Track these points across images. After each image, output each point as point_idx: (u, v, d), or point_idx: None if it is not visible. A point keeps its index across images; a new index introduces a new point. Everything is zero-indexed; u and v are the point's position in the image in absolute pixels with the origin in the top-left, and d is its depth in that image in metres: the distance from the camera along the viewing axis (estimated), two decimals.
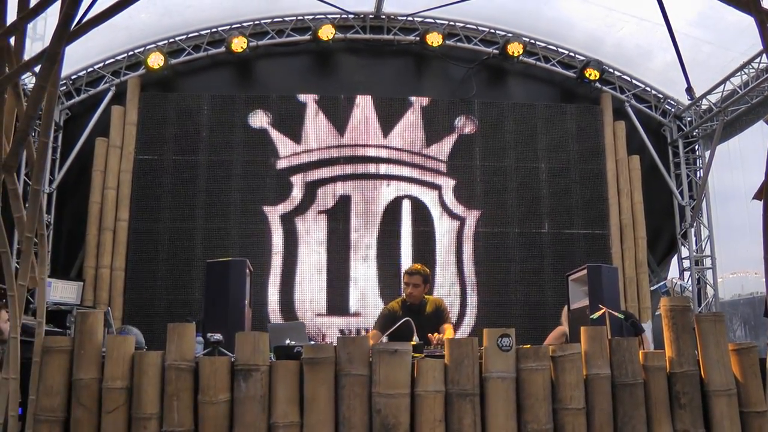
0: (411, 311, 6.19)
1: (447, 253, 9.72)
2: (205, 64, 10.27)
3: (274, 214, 9.59)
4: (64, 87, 9.83)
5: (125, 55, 10.03)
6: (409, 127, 9.98)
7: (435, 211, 9.80)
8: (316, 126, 9.90)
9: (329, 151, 9.81)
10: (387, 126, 9.98)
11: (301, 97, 9.99)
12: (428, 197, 9.79)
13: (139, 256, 9.44)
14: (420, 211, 9.83)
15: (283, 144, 9.85)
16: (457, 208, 9.81)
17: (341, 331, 9.18)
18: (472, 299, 9.63)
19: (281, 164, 9.77)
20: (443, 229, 9.75)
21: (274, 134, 9.88)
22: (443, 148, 10.02)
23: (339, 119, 9.98)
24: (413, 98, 10.16)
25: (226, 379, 3.96)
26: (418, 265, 6.65)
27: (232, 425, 3.91)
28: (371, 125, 9.94)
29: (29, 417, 3.99)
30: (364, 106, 10.00)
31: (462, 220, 9.79)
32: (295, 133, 9.90)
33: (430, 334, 5.64)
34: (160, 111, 9.86)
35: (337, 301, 9.36)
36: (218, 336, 4.41)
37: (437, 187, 9.82)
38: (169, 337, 4.02)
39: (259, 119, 9.89)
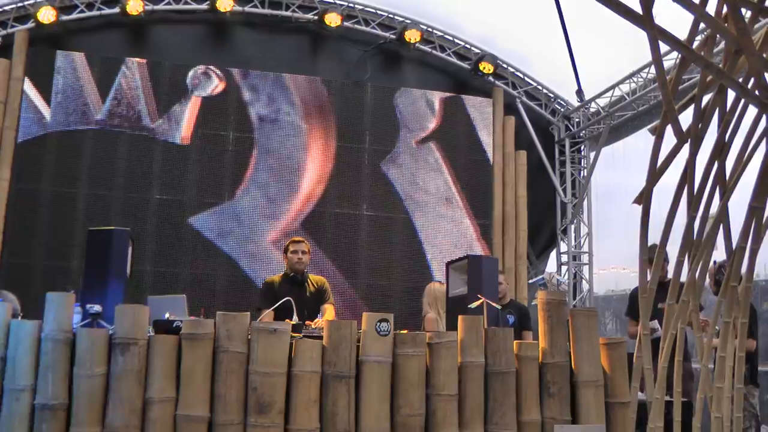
0: (294, 284, 6.22)
1: None
2: (98, 23, 9.86)
3: None
4: None
5: (14, 5, 9.52)
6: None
7: None
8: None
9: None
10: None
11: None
12: None
13: (19, 219, 9.03)
14: None
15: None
16: None
17: None
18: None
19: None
20: None
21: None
22: None
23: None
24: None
25: (103, 352, 3.92)
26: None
27: (107, 399, 3.88)
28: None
29: None
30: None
31: None
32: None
33: (309, 321, 5.67)
34: (49, 69, 9.47)
35: None
36: (97, 307, 4.34)
37: None
38: (47, 306, 3.95)
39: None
